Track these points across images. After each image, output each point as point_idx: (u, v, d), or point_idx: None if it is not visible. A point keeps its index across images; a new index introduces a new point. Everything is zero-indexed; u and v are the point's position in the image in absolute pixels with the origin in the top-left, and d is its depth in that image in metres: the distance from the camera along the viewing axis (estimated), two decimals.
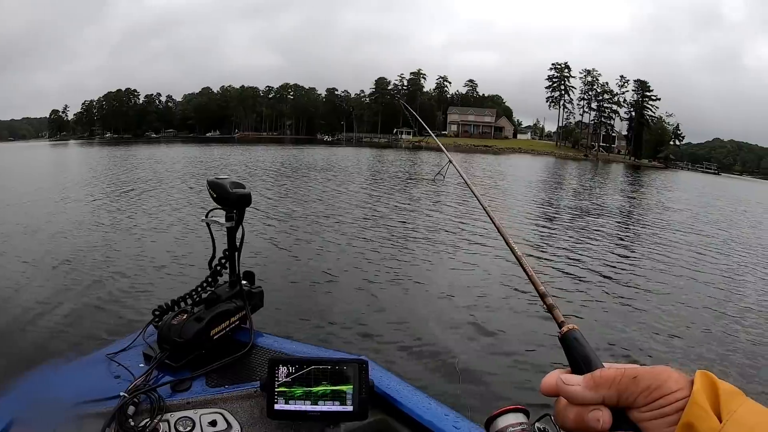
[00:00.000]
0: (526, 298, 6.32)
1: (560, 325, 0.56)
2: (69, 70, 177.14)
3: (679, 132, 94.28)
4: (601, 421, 0.48)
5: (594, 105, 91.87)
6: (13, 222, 10.58)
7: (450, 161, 1.44)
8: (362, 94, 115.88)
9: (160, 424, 1.32)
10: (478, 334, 5.40)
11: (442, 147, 1.61)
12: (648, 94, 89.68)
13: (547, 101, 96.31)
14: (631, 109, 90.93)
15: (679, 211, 20.01)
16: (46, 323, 5.17)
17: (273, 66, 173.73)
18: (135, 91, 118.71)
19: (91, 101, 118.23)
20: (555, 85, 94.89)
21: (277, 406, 1.34)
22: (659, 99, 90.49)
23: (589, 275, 8.20)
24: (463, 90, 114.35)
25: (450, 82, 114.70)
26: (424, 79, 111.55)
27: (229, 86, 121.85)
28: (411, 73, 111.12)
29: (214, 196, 1.71)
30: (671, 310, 6.68)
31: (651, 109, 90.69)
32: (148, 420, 1.31)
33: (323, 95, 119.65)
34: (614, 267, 8.95)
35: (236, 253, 1.79)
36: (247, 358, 1.66)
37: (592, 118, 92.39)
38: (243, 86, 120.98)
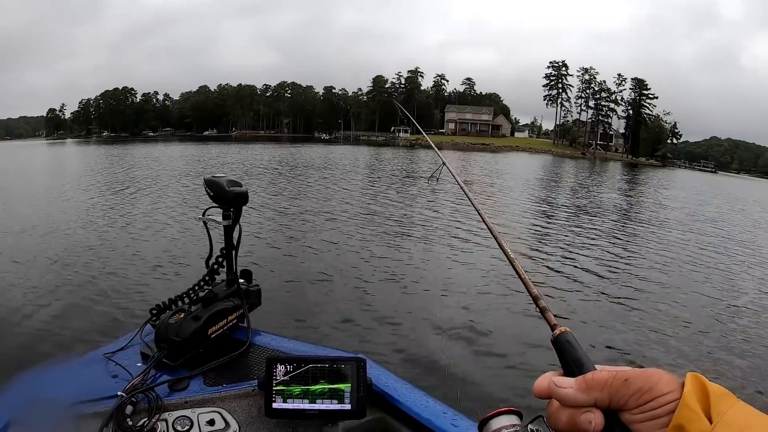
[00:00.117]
0: (521, 298, 6.29)
1: (553, 327, 0.57)
2: (66, 68, 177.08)
3: (676, 130, 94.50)
4: (593, 423, 0.49)
5: (591, 103, 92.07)
6: (9, 221, 10.54)
7: (443, 163, 1.44)
8: (360, 93, 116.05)
9: (158, 423, 1.32)
10: (473, 334, 5.40)
11: (436, 149, 1.60)
12: (645, 92, 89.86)
13: (544, 99, 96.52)
14: (629, 108, 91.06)
15: (676, 209, 20.06)
16: (42, 323, 5.16)
17: (270, 64, 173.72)
18: (132, 89, 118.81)
19: (88, 100, 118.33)
20: (552, 83, 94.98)
21: (275, 405, 1.34)
22: (656, 97, 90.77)
23: (584, 275, 8.20)
24: (461, 88, 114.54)
25: (447, 81, 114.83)
26: (422, 77, 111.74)
27: (227, 84, 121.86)
28: (408, 72, 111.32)
29: (211, 194, 1.70)
30: (666, 311, 6.68)
31: (648, 108, 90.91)
32: (146, 419, 1.31)
33: (321, 93, 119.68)
34: (609, 266, 8.96)
35: (233, 252, 1.78)
36: (244, 356, 1.66)
37: (589, 116, 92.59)
38: (240, 84, 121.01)
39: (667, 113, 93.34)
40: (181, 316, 1.60)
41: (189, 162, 30.46)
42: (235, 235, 1.76)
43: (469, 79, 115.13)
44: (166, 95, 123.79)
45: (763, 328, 6.34)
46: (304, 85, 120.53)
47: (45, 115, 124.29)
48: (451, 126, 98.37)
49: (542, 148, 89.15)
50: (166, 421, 1.34)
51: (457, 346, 5.08)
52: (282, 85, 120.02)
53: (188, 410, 1.39)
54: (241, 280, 1.84)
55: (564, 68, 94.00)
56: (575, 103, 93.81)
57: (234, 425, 1.39)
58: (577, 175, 38.40)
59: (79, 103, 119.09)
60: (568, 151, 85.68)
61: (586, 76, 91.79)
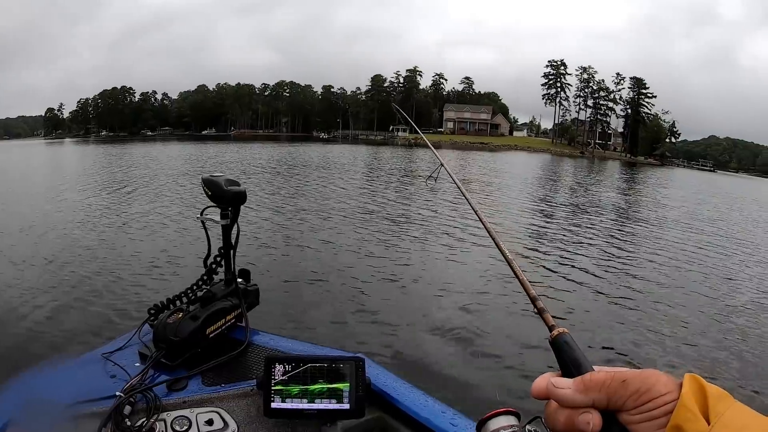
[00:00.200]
0: (520, 298, 6.28)
1: (551, 328, 0.57)
2: (64, 68, 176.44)
3: (675, 129, 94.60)
4: (591, 423, 0.49)
5: (590, 102, 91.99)
6: (7, 221, 10.53)
7: (441, 164, 1.44)
8: (358, 92, 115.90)
9: (157, 423, 1.32)
10: (471, 334, 5.40)
11: (434, 150, 1.60)
12: (644, 91, 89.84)
13: (543, 98, 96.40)
14: (627, 107, 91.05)
15: (675, 208, 20.08)
16: (40, 323, 5.15)
17: (269, 63, 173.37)
18: (130, 88, 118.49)
19: (87, 99, 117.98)
20: (551, 82, 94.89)
21: (273, 405, 1.34)
22: (655, 96, 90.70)
23: (582, 275, 8.20)
24: (459, 87, 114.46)
25: (446, 80, 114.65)
26: (421, 76, 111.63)
27: (225, 84, 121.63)
28: (407, 71, 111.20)
29: (209, 193, 1.70)
30: (664, 311, 6.68)
31: (647, 107, 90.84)
32: (144, 419, 1.31)
33: (319, 92, 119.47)
34: (607, 266, 8.97)
35: (231, 251, 1.78)
36: (243, 356, 1.65)
37: (588, 115, 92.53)
38: (239, 84, 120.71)
39: (666, 112, 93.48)
40: (180, 315, 1.60)
41: (187, 161, 30.44)
42: (233, 234, 1.76)
43: (467, 78, 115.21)
44: (165, 94, 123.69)
45: (761, 327, 6.35)
46: (303, 85, 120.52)
47: (43, 114, 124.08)
48: (450, 125, 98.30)
49: (541, 147, 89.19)
50: (164, 421, 1.34)
51: (456, 346, 5.08)
52: (280, 85, 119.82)
53: (187, 410, 1.38)
54: (239, 280, 1.84)
55: (563, 67, 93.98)
56: (574, 102, 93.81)
57: (232, 425, 1.39)
58: (576, 174, 38.42)
59: (78, 102, 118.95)
60: (566, 150, 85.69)
61: (585, 75, 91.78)
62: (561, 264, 8.81)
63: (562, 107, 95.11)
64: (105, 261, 7.57)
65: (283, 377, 1.34)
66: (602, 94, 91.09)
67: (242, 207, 1.75)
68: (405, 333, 5.33)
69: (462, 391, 4.12)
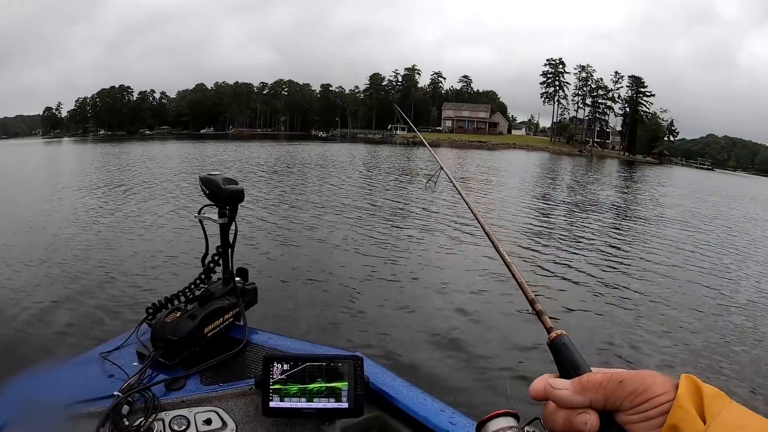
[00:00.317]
0: (518, 298, 6.25)
1: (549, 330, 0.58)
2: (62, 67, 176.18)
3: (673, 128, 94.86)
4: (588, 424, 0.50)
5: (588, 101, 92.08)
6: (3, 221, 10.51)
7: (441, 167, 1.44)
8: (357, 90, 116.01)
9: (155, 423, 1.31)
10: (470, 335, 5.39)
11: (433, 153, 1.60)
12: (642, 90, 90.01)
13: (541, 97, 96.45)
14: (626, 105, 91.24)
15: (673, 207, 20.11)
16: (38, 323, 5.14)
17: (267, 62, 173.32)
18: (129, 87, 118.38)
19: (85, 98, 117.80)
20: (549, 80, 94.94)
21: (272, 404, 1.34)
22: (654, 95, 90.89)
23: (580, 275, 8.18)
24: (458, 86, 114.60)
25: (444, 78, 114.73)
26: (419, 75, 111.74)
27: (223, 82, 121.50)
28: (405, 69, 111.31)
29: (207, 192, 1.69)
30: (662, 311, 6.67)
31: (645, 105, 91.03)
32: (142, 419, 1.30)
33: (318, 91, 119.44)
34: (605, 266, 8.97)
35: (229, 250, 1.77)
36: (241, 355, 1.65)
37: (586, 113, 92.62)
38: (237, 82, 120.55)
39: (664, 111, 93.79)
40: (178, 314, 1.59)
41: (185, 160, 30.42)
42: (231, 233, 1.76)
43: (466, 76, 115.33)
44: (163, 93, 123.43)
45: (759, 327, 6.36)
46: (301, 83, 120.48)
47: (41, 113, 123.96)
48: (449, 124, 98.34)
49: (539, 145, 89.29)
50: (162, 420, 1.33)
51: (454, 346, 5.07)
52: (279, 83, 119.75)
53: (185, 410, 1.38)
54: (237, 279, 1.83)
55: (561, 66, 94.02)
56: (572, 100, 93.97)
57: (231, 424, 1.39)
58: (574, 173, 38.45)
59: (76, 101, 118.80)
60: (565, 149, 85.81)
61: (583, 74, 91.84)
62: (559, 263, 8.81)
63: (560, 106, 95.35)
64: (103, 260, 7.55)
65: (282, 376, 1.34)
66: (601, 92, 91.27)
67: (240, 206, 1.75)
68: (403, 332, 5.32)
69: (460, 391, 4.12)
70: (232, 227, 1.75)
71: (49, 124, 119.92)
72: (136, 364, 1.54)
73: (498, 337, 5.40)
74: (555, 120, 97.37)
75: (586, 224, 13.38)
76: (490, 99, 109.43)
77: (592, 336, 5.63)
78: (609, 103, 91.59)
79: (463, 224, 11.31)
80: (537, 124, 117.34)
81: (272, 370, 1.34)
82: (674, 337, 5.79)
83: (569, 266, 8.65)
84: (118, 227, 10.17)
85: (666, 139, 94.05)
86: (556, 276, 8.02)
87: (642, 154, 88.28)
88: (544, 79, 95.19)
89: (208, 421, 1.37)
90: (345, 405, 1.34)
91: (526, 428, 0.62)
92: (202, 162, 29.36)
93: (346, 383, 1.35)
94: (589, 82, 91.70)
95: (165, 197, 14.40)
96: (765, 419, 0.46)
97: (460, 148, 68.64)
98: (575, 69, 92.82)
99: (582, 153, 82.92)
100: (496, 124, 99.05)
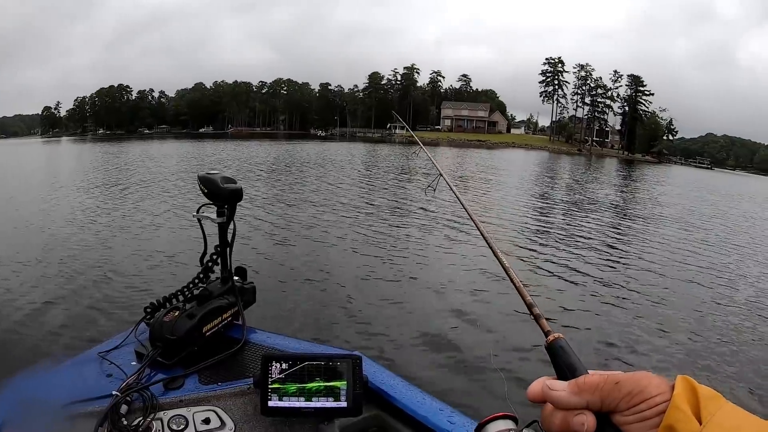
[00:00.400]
0: (517, 299, 6.20)
1: (546, 334, 0.59)
2: (61, 66, 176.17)
3: (672, 127, 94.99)
4: (585, 425, 0.50)
5: (587, 100, 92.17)
6: (2, 220, 10.49)
7: (440, 174, 1.44)
8: (356, 89, 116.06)
9: (153, 422, 1.31)
10: (468, 336, 5.36)
11: (433, 160, 1.61)
12: (641, 89, 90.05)
13: (540, 96, 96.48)
14: (625, 104, 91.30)
15: (672, 205, 20.12)
16: (36, 322, 5.13)
17: (266, 61, 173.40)
18: (127, 87, 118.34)
19: (84, 98, 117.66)
20: (549, 79, 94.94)
21: (270, 403, 1.33)
22: (653, 94, 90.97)
23: (578, 275, 8.12)
24: (457, 85, 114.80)
25: (443, 77, 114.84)
26: (418, 73, 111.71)
27: (222, 81, 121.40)
28: (405, 68, 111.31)
29: (205, 191, 1.69)
30: (661, 311, 6.63)
31: (644, 104, 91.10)
32: (140, 419, 1.30)
33: (317, 90, 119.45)
34: (604, 266, 8.93)
35: (228, 249, 1.77)
36: (239, 354, 1.65)
37: (585, 112, 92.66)
38: (236, 81, 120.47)
39: (663, 110, 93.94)
40: (176, 314, 1.59)
41: (184, 159, 30.39)
42: (230, 232, 1.75)
43: (465, 75, 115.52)
44: (162, 92, 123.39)
45: (757, 327, 6.35)
46: (300, 82, 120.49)
47: (40, 113, 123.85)
48: (448, 122, 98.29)
49: (538, 144, 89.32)
50: (161, 420, 1.33)
51: (453, 347, 5.04)
52: (278, 82, 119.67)
53: (183, 409, 1.38)
54: (235, 278, 1.83)
55: (560, 65, 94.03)
56: (571, 99, 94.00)
57: (230, 424, 1.39)
58: (573, 172, 38.44)
59: (75, 100, 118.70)
60: (564, 148, 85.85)
61: (582, 73, 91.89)
62: (557, 263, 8.78)
63: (559, 105, 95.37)
64: (101, 259, 7.54)
65: (280, 375, 1.34)
66: (600, 91, 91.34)
67: (239, 205, 1.75)
68: (402, 332, 5.31)
69: (459, 392, 4.10)
70: (231, 226, 1.74)
71: (48, 124, 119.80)
72: (134, 363, 1.54)
73: (496, 338, 5.39)
74: (554, 119, 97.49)
75: (584, 223, 13.38)
76: (489, 98, 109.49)
77: (590, 336, 5.62)
78: (608, 102, 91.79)
79: (462, 223, 11.29)
80: (536, 123, 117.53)
81: (271, 370, 1.34)
82: (673, 337, 5.78)
83: (567, 266, 8.62)
84: (117, 226, 10.16)
85: (665, 138, 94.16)
86: (555, 275, 8.00)
87: (641, 153, 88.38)
88: (543, 78, 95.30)
89: (206, 421, 1.37)
90: (344, 404, 1.34)
91: (525, 431, 0.62)
92: (201, 161, 29.32)
93: (345, 382, 1.34)
94: (588, 81, 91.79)
95: (163, 196, 14.38)
96: (760, 420, 0.46)
97: (459, 147, 68.68)
98: (574, 68, 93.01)
99: (581, 152, 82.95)
100: (495, 123, 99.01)
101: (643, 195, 24.08)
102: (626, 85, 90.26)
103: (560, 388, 0.53)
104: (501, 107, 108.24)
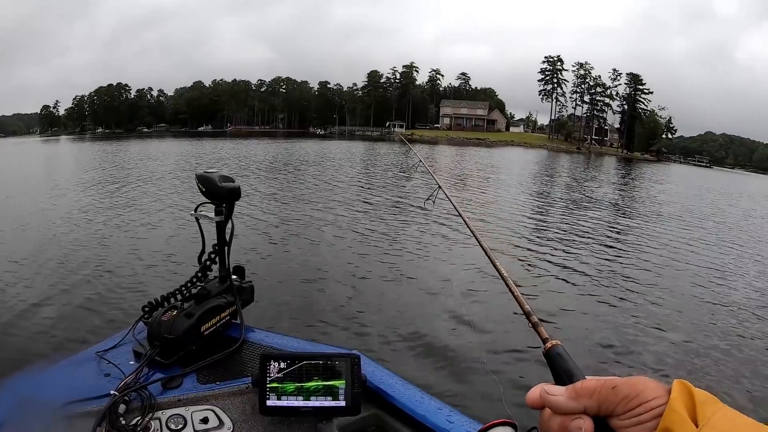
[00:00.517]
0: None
1: (544, 341, 0.61)
2: (60, 65, 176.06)
3: (671, 125, 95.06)
4: (583, 429, 0.51)
5: (587, 98, 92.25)
6: (0, 220, 10.47)
7: (439, 186, 1.46)
8: (355, 88, 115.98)
9: (152, 422, 1.31)
10: (466, 336, 5.27)
11: (432, 173, 1.63)
12: (640, 87, 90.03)
13: (539, 94, 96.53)
14: (624, 103, 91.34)
15: (671, 204, 20.13)
16: (33, 322, 5.12)
17: (265, 60, 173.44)
18: (126, 85, 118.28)
19: (83, 96, 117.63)
20: (548, 78, 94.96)
21: (269, 402, 1.33)
22: (652, 92, 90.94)
23: (576, 276, 8.05)
24: (456, 83, 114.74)
25: (442, 75, 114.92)
26: (417, 72, 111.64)
27: (221, 80, 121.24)
28: (404, 66, 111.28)
29: (203, 190, 1.69)
30: (659, 312, 6.57)
31: (643, 103, 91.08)
32: (139, 418, 1.30)
33: (315, 89, 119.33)
34: (602, 266, 8.89)
35: (226, 248, 1.77)
36: (238, 354, 1.65)
37: (584, 111, 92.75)
38: (235, 80, 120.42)
39: (662, 108, 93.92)
40: (174, 313, 1.59)
41: (183, 158, 30.32)
42: (228, 231, 1.75)
43: (464, 74, 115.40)
44: (161, 91, 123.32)
45: (755, 327, 6.34)
46: (299, 81, 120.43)
47: (39, 111, 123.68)
48: (447, 121, 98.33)
49: (537, 142, 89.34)
50: (159, 419, 1.33)
51: (451, 347, 5.00)
52: (277, 81, 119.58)
53: (182, 408, 1.38)
54: (233, 277, 1.84)
55: (559, 63, 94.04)
56: (570, 98, 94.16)
57: (228, 423, 1.39)
58: (572, 170, 38.43)
59: (73, 99, 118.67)
60: (563, 146, 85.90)
61: (581, 71, 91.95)
62: (554, 263, 8.74)
63: (558, 103, 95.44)
64: (99, 258, 7.52)
65: (279, 374, 1.34)
66: (599, 90, 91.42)
67: (237, 203, 1.74)
68: (401, 331, 5.30)
69: (456, 394, 4.08)
70: (229, 225, 1.74)
71: (47, 122, 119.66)
72: (132, 362, 1.54)
73: (494, 339, 5.35)
74: (553, 117, 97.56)
75: (583, 222, 13.36)
76: (488, 96, 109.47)
77: (588, 337, 5.59)
78: (607, 100, 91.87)
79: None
80: (535, 122, 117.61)
81: (269, 369, 1.34)
82: (671, 338, 5.75)
83: (565, 265, 8.60)
84: (114, 225, 10.12)
85: (664, 136, 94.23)
86: (552, 275, 7.97)
87: (640, 152, 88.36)
88: (543, 76, 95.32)
89: (204, 420, 1.37)
90: (342, 403, 1.34)
91: None
92: (200, 159, 29.28)
93: (343, 381, 1.34)
94: (587, 80, 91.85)
95: (161, 195, 14.35)
96: (757, 423, 0.46)
97: (458, 145, 68.67)
98: (573, 66, 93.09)
99: (580, 150, 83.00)
100: (494, 121, 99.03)
101: (641, 193, 24.08)
102: (625, 84, 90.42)
103: (558, 393, 0.53)
104: (500, 105, 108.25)
